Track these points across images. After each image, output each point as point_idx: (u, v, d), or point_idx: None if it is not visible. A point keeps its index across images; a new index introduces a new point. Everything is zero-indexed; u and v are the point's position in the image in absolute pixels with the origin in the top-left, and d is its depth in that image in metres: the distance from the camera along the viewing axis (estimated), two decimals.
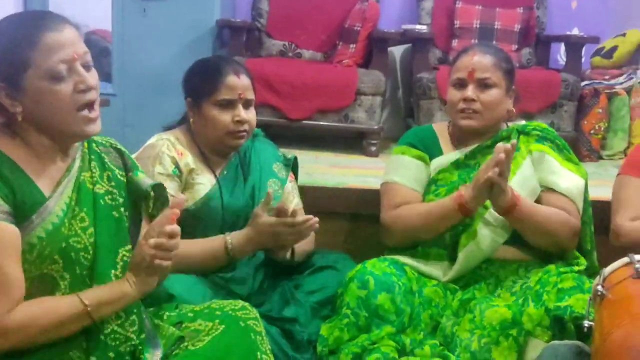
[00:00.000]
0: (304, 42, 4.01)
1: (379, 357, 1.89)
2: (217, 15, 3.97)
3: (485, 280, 2.09)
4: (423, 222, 2.12)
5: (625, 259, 1.66)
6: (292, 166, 2.27)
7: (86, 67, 1.43)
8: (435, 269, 2.13)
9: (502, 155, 1.89)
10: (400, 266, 2.08)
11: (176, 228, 1.45)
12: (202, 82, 2.06)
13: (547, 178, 2.12)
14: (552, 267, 2.04)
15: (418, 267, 2.12)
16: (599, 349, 1.53)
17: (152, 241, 1.44)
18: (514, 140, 2.00)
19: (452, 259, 2.13)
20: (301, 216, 1.94)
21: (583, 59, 3.85)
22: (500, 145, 1.95)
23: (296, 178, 2.30)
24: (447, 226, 2.10)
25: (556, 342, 1.78)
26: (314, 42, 4.02)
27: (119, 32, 3.99)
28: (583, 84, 3.74)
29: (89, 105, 1.43)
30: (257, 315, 1.66)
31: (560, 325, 1.86)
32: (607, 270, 1.68)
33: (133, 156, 1.69)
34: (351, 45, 3.86)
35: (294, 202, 2.21)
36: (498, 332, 1.89)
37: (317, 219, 1.93)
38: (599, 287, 1.63)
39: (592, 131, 3.70)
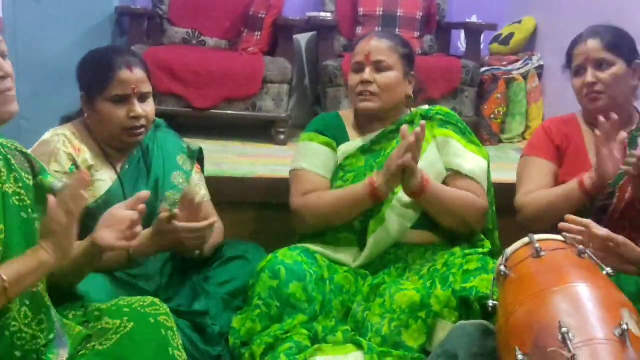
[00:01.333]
0: (208, 29, 3.94)
1: (292, 346, 1.90)
2: (115, 2, 3.84)
3: (394, 265, 2.13)
4: (334, 209, 2.13)
5: (526, 239, 1.72)
6: (198, 157, 2.24)
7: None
8: (345, 256, 2.15)
9: (413, 139, 1.93)
10: (311, 254, 2.09)
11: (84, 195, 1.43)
12: (93, 77, 1.98)
13: (452, 161, 2.18)
14: (457, 249, 2.11)
15: (329, 255, 2.14)
16: (503, 327, 1.58)
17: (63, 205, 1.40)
18: (423, 122, 2.04)
19: (362, 244, 2.16)
20: (205, 221, 1.90)
21: (482, 46, 3.97)
22: (404, 127, 1.99)
23: (202, 169, 2.27)
24: (358, 212, 2.13)
25: (463, 322, 1.83)
26: (218, 30, 3.96)
27: (10, 20, 3.79)
28: (482, 70, 3.86)
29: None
30: (168, 310, 1.63)
31: (467, 305, 1.92)
32: (509, 250, 1.74)
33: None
34: (256, 33, 3.83)
35: (201, 194, 2.18)
36: (407, 315, 1.93)
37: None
38: (502, 267, 1.69)
39: (492, 116, 3.83)
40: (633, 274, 1.80)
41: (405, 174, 1.99)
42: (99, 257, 1.66)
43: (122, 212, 1.63)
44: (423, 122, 2.05)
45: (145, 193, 1.66)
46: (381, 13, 4.04)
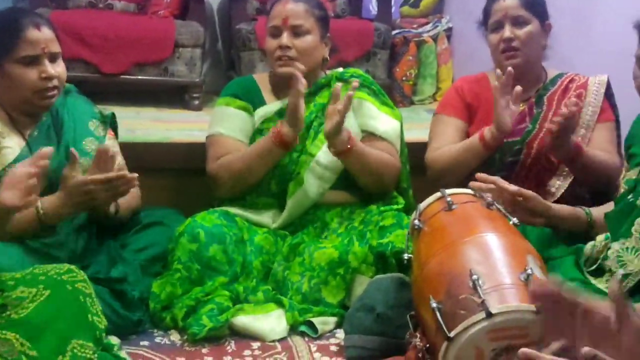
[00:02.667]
0: None
1: (213, 307, 1.92)
2: None
3: (312, 225, 2.18)
4: (246, 165, 2.14)
5: (438, 194, 1.79)
6: (111, 123, 2.19)
7: None
8: (264, 217, 2.18)
9: (352, 93, 1.98)
10: (231, 217, 2.11)
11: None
12: None
13: (367, 123, 2.23)
14: (373, 207, 2.17)
15: (248, 217, 2.16)
16: (418, 278, 1.65)
17: None
18: (355, 82, 2.07)
19: (281, 206, 2.19)
20: (113, 172, 1.84)
21: (393, 9, 4.02)
22: (339, 86, 2.02)
23: (116, 135, 2.23)
24: (270, 164, 2.14)
25: (380, 276, 1.90)
26: None
27: None
28: (394, 32, 3.91)
29: None
30: (85, 277, 1.61)
31: (383, 260, 1.99)
32: (422, 205, 1.80)
33: None
34: None
35: (116, 160, 2.14)
36: (327, 272, 1.99)
37: (134, 175, 1.85)
38: (416, 221, 1.75)
39: (404, 78, 3.90)
40: (541, 226, 1.90)
41: (330, 132, 2.01)
42: (7, 220, 1.61)
43: (22, 169, 1.57)
44: (356, 82, 2.07)
45: (47, 150, 1.58)
46: None
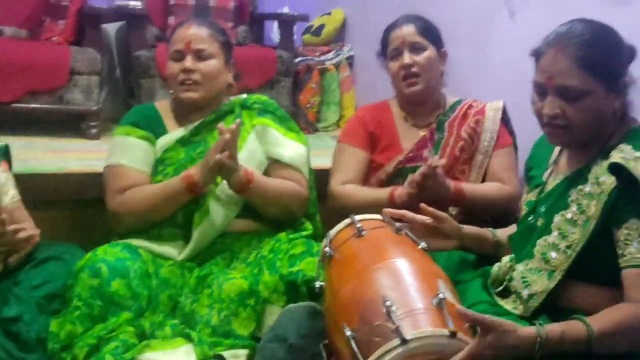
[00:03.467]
0: (5, 17, 3.66)
1: (118, 345, 1.83)
2: None
3: (220, 255, 2.12)
4: (151, 205, 2.08)
5: (348, 220, 1.79)
6: (5, 154, 2.07)
7: None
8: (170, 249, 2.11)
9: (228, 136, 1.93)
10: (134, 250, 2.02)
11: None
12: None
13: (272, 150, 2.21)
14: (282, 235, 2.14)
15: (152, 249, 2.08)
16: (331, 306, 1.63)
17: None
18: (238, 120, 2.05)
19: (187, 237, 2.13)
20: (12, 225, 1.76)
21: (295, 37, 4.05)
22: (221, 125, 1.98)
23: (10, 167, 2.10)
24: (177, 207, 2.09)
25: (291, 305, 1.87)
26: (16, 18, 3.69)
27: None
28: (297, 60, 3.94)
29: None
30: None
31: (294, 289, 1.96)
32: (332, 232, 1.80)
33: None
34: (60, 22, 3.62)
35: (10, 194, 2.02)
36: (237, 303, 1.93)
37: (34, 232, 1.77)
38: (327, 249, 1.74)
39: (308, 105, 3.93)
40: (453, 249, 1.92)
41: (224, 171, 1.98)
42: None
43: None
44: (238, 120, 2.05)
45: None
46: (193, 3, 3.99)
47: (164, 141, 2.20)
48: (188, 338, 1.91)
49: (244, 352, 1.91)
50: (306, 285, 1.94)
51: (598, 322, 1.45)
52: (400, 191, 2.13)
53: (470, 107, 2.33)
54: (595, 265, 1.56)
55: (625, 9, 2.13)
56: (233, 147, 1.96)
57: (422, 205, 1.87)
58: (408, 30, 2.25)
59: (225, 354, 1.87)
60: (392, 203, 2.12)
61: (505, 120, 2.32)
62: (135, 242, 2.07)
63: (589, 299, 1.56)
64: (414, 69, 2.24)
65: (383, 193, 2.19)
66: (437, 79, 2.30)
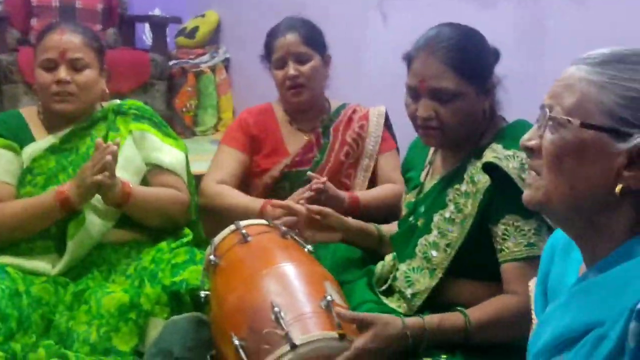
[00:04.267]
0: None
1: None
2: None
3: (97, 268, 2.03)
4: (19, 222, 1.96)
5: (232, 227, 1.76)
6: None
7: None
8: (42, 263, 1.99)
9: (109, 158, 1.85)
10: (1, 268, 1.90)
11: None
12: None
13: (151, 155, 2.13)
14: (163, 244, 2.07)
15: (22, 265, 1.96)
16: (217, 315, 1.60)
17: None
18: (117, 140, 1.97)
19: (60, 249, 2.01)
20: None
21: (168, 39, 3.96)
22: (100, 141, 1.90)
23: None
24: (49, 224, 1.99)
25: (175, 317, 1.80)
26: None
27: None
28: (171, 63, 3.86)
29: None
30: None
31: (178, 300, 1.90)
32: (217, 239, 1.76)
33: None
34: None
35: None
36: (117, 318, 1.85)
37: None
38: (211, 257, 1.71)
39: (184, 109, 3.86)
40: (338, 242, 1.93)
41: (102, 189, 1.90)
42: None
43: None
44: (118, 140, 1.97)
45: None
46: (57, 4, 3.81)
47: (32, 149, 2.07)
48: (64, 359, 1.81)
49: None
50: (190, 295, 1.89)
51: (476, 313, 1.52)
52: (272, 210, 2.08)
53: (354, 111, 2.36)
54: (474, 262, 1.62)
55: (489, 12, 2.23)
56: (113, 166, 1.88)
57: (306, 206, 1.88)
58: (292, 40, 2.24)
59: None
60: (261, 215, 2.08)
61: (387, 125, 2.38)
62: (2, 259, 1.94)
63: (471, 294, 1.62)
64: (299, 80, 2.24)
65: (255, 204, 2.16)
66: (321, 85, 2.32)
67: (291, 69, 2.23)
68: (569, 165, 0.94)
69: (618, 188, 0.91)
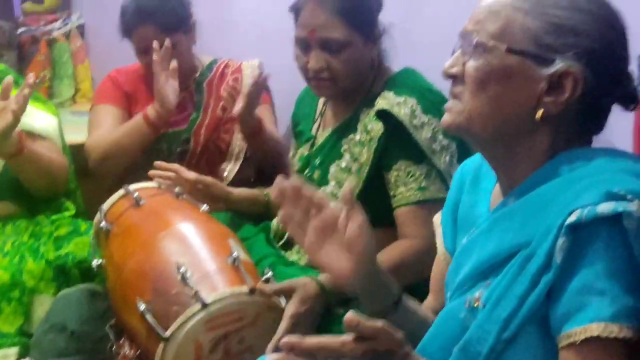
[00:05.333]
0: None
1: None
2: None
3: None
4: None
5: (122, 191, 1.70)
6: None
7: None
8: None
9: (27, 91, 1.74)
10: None
11: None
12: None
13: (23, 121, 1.98)
14: (42, 217, 1.95)
15: None
16: (117, 282, 1.54)
17: None
18: (10, 77, 1.82)
19: None
20: None
21: (14, 4, 3.69)
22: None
23: None
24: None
25: (66, 290, 1.73)
26: None
27: None
28: (19, 31, 3.59)
29: None
30: None
31: (64, 274, 1.81)
32: (106, 205, 1.69)
33: None
34: None
35: None
36: None
37: None
38: (102, 224, 1.64)
39: (37, 80, 3.59)
40: (221, 210, 1.90)
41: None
42: None
43: None
44: (10, 77, 1.82)
45: None
46: None
47: None
48: None
49: (13, 351, 1.73)
50: (78, 268, 1.81)
51: (380, 259, 1.55)
52: (152, 110, 2.04)
53: (226, 66, 2.30)
54: (372, 209, 1.64)
55: None
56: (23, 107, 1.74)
57: (192, 173, 1.83)
58: (149, 30, 2.11)
59: None
60: (150, 124, 2.05)
61: None
62: None
63: None
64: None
65: (138, 118, 2.09)
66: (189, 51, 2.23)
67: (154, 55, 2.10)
68: (493, 90, 0.96)
69: (539, 113, 0.95)
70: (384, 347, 0.86)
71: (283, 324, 1.41)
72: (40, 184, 1.96)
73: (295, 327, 1.41)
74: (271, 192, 1.11)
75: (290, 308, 1.43)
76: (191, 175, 1.82)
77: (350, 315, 0.84)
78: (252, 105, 1.96)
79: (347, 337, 0.85)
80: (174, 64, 2.03)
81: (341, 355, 0.85)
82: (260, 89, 1.97)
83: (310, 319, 1.45)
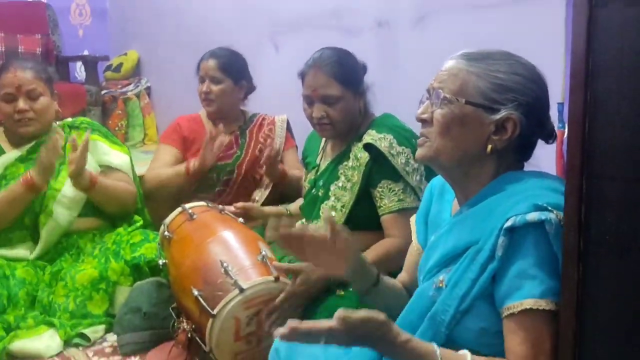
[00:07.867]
0: None
1: None
2: None
3: (68, 252, 1.90)
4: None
5: (179, 209, 1.71)
6: None
7: None
8: (21, 251, 1.85)
9: (87, 136, 1.80)
10: None
11: None
12: None
13: (103, 159, 2.03)
14: (121, 229, 1.97)
15: (4, 254, 1.81)
16: (177, 276, 1.55)
17: None
18: (88, 131, 1.87)
19: (35, 238, 1.87)
20: None
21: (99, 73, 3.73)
22: (74, 137, 1.81)
23: None
24: (21, 207, 1.85)
25: (139, 282, 1.74)
26: None
27: None
28: (103, 92, 3.64)
29: None
30: None
31: (138, 270, 1.82)
32: (168, 219, 1.71)
33: None
34: None
35: None
36: (89, 289, 1.76)
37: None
38: (166, 233, 1.65)
39: (116, 128, 3.64)
40: (259, 225, 1.93)
41: (74, 173, 1.78)
42: None
43: None
44: (88, 131, 1.86)
45: None
46: (3, 49, 3.48)
47: (3, 160, 1.92)
48: (50, 324, 1.68)
49: (101, 327, 1.74)
50: (148, 266, 1.82)
51: (370, 254, 1.56)
52: (193, 163, 2.06)
53: (263, 118, 2.32)
54: (362, 217, 1.66)
55: (356, 39, 2.28)
56: (82, 157, 1.79)
57: (234, 204, 1.85)
58: (210, 64, 2.15)
59: (86, 331, 1.69)
60: (187, 173, 2.07)
61: (289, 128, 2.36)
62: None
63: (362, 241, 1.65)
64: (209, 96, 2.16)
65: (180, 167, 2.11)
66: (234, 104, 2.24)
67: (205, 87, 2.15)
68: (454, 131, 0.98)
69: (489, 148, 0.97)
70: (372, 329, 0.86)
71: (281, 295, 1.42)
72: (111, 205, 1.99)
73: (287, 300, 1.41)
74: (273, 238, 1.10)
75: (291, 285, 1.44)
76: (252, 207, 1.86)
77: (340, 312, 0.86)
78: (274, 166, 2.02)
79: (332, 322, 0.86)
80: (222, 139, 2.07)
81: (329, 336, 0.86)
82: (275, 160, 2.01)
83: (300, 300, 1.45)
